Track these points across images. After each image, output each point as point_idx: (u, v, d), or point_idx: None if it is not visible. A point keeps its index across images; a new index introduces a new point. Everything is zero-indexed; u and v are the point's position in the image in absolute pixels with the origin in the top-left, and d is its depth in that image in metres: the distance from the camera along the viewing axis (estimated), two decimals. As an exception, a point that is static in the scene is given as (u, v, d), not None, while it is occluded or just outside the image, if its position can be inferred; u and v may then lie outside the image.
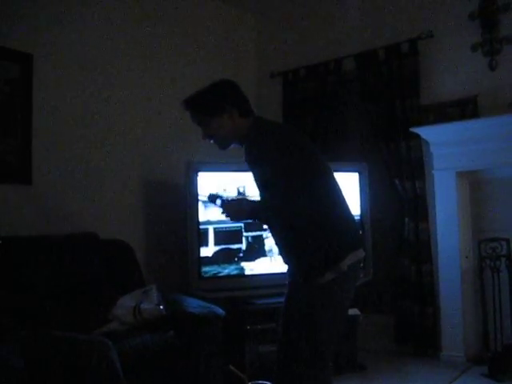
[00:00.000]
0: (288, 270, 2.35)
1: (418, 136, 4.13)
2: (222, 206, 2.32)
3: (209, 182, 3.76)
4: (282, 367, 2.26)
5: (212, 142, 2.38)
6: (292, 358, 2.22)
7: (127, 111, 4.10)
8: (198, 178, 3.72)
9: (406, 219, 4.25)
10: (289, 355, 2.24)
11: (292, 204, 2.18)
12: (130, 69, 4.13)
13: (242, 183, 3.76)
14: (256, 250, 3.87)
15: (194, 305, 3.24)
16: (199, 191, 3.71)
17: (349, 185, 4.04)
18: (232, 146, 2.41)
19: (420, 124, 4.13)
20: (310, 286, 2.19)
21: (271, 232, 2.38)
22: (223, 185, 3.77)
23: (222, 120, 2.30)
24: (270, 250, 3.86)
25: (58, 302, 3.02)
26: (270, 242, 3.81)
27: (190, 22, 4.61)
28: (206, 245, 3.75)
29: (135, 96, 4.16)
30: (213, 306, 3.25)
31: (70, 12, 3.76)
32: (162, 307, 3.11)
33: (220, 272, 3.78)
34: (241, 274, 3.82)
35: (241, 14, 5.07)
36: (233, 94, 2.36)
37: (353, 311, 3.85)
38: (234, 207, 2.29)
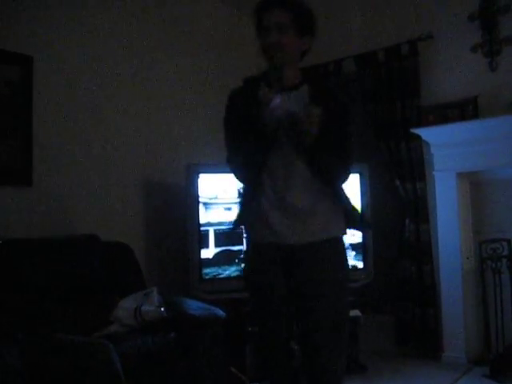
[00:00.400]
0: (321, 225, 2.09)
1: (418, 137, 4.14)
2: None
3: (209, 184, 3.76)
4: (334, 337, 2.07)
5: (269, 52, 2.13)
6: (341, 323, 2.08)
7: (128, 113, 4.10)
8: (199, 180, 3.72)
9: (407, 220, 4.25)
10: (338, 322, 2.07)
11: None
12: (130, 70, 4.13)
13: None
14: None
15: (194, 307, 3.23)
16: (200, 193, 3.72)
17: (349, 186, 4.04)
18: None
19: (420, 125, 4.14)
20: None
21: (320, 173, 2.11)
22: (224, 186, 3.78)
23: (299, 42, 2.15)
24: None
25: (59, 304, 3.02)
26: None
27: (189, 24, 4.61)
28: (207, 246, 3.75)
29: (136, 98, 4.16)
30: (213, 307, 3.25)
31: (70, 14, 3.76)
32: (162, 309, 3.11)
33: (221, 274, 3.78)
34: (242, 276, 3.81)
35: (241, 15, 5.07)
36: (317, 32, 2.25)
37: (354, 312, 3.85)
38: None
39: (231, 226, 2.39)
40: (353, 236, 4.02)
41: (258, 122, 2.01)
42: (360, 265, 4.03)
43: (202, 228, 3.72)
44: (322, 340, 2.07)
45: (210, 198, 3.78)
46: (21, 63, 3.47)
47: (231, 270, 3.80)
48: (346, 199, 2.21)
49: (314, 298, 2.05)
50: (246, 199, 2.21)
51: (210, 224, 3.75)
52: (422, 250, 4.19)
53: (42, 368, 2.40)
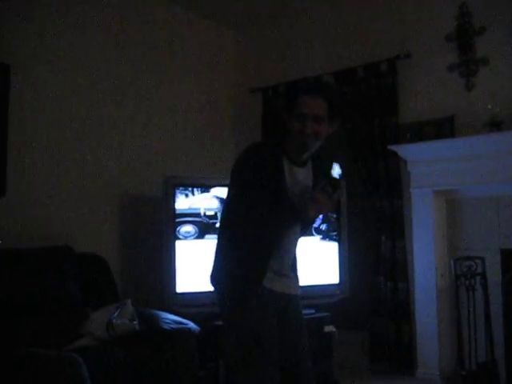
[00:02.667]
0: (296, 285, 2.36)
1: (395, 154, 4.17)
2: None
3: (187, 198, 3.74)
4: None
5: (305, 140, 2.20)
6: None
7: (106, 124, 4.08)
8: (176, 194, 3.70)
9: (383, 237, 4.26)
10: None
11: None
12: (109, 82, 4.12)
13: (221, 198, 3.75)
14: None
15: (168, 320, 3.21)
16: (177, 206, 3.70)
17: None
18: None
19: (398, 142, 4.17)
20: None
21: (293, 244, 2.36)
22: (202, 200, 3.77)
23: (329, 128, 2.24)
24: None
25: (29, 316, 2.96)
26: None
27: (171, 38, 4.62)
28: (183, 260, 3.72)
29: (114, 109, 4.14)
30: (187, 321, 3.23)
31: (48, 23, 3.75)
32: (135, 322, 3.08)
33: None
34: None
35: (221, 29, 5.10)
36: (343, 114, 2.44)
37: (329, 328, 3.85)
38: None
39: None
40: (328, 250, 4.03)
41: (288, 198, 2.16)
42: (336, 280, 4.03)
43: (177, 241, 3.70)
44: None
45: (187, 212, 3.76)
46: (-3, 71, 3.43)
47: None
48: None
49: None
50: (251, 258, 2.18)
51: (185, 237, 3.72)
52: (398, 267, 4.20)
53: (9, 382, 2.35)
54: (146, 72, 4.40)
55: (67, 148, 3.82)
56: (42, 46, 3.70)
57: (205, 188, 3.80)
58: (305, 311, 3.76)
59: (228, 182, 2.21)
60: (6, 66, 3.47)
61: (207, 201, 3.81)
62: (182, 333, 3.13)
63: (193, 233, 3.73)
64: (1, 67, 3.45)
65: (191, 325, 3.19)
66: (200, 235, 3.75)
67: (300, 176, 2.24)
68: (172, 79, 4.58)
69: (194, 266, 3.64)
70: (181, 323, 3.21)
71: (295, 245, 2.35)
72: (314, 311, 3.88)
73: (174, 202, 3.70)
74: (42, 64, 3.70)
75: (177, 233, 3.71)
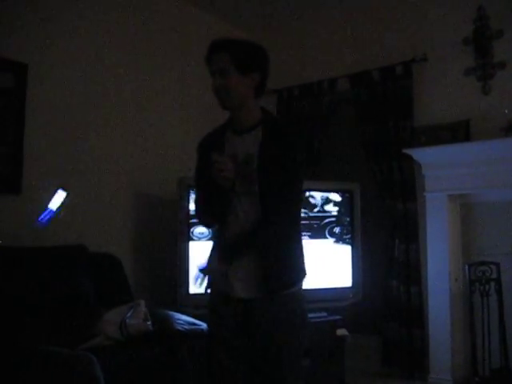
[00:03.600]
0: (275, 278, 2.07)
1: (410, 157, 4.15)
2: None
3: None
4: None
5: (218, 96, 2.13)
6: None
7: (121, 123, 4.09)
8: (191, 195, 3.71)
9: (397, 241, 4.24)
10: None
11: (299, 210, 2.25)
12: (125, 81, 4.13)
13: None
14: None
15: (181, 321, 3.20)
16: (191, 207, 3.70)
17: (340, 204, 4.05)
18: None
19: (412, 146, 4.15)
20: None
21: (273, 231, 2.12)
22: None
23: (244, 80, 2.11)
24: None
25: (44, 315, 2.98)
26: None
27: (184, 38, 4.63)
28: (196, 260, 3.72)
29: (129, 108, 4.15)
30: (200, 322, 3.22)
31: (65, 22, 3.77)
32: (148, 323, 3.08)
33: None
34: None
35: (236, 31, 5.09)
36: (267, 67, 2.19)
37: (341, 331, 3.84)
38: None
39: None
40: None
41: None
42: (348, 283, 4.02)
43: (191, 242, 3.70)
44: None
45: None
46: (16, 71, 3.46)
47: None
48: None
49: None
50: None
51: (199, 238, 3.73)
52: (411, 271, 4.18)
53: (22, 381, 2.36)
54: (162, 72, 4.42)
55: (83, 148, 3.84)
56: (58, 46, 3.72)
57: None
58: (317, 314, 3.80)
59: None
60: (23, 65, 3.49)
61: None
62: (195, 334, 3.12)
63: (206, 234, 3.73)
64: (18, 66, 3.47)
65: (204, 326, 3.18)
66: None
67: (241, 144, 2.13)
68: (186, 80, 4.59)
69: (207, 267, 3.64)
70: (194, 324, 3.20)
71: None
72: (326, 314, 3.87)
73: (188, 203, 3.70)
74: (59, 63, 3.72)
75: (190, 234, 3.72)
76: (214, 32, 4.87)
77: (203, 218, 2.27)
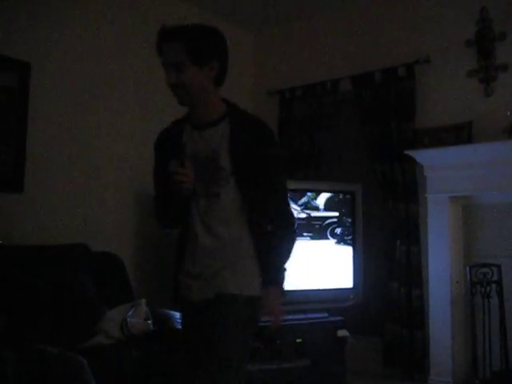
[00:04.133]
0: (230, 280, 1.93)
1: (412, 159, 4.15)
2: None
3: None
4: None
5: (175, 93, 1.99)
6: None
7: (123, 122, 4.10)
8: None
9: (398, 242, 4.24)
10: None
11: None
12: (127, 80, 4.14)
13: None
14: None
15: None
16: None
17: (342, 205, 4.05)
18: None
19: (415, 147, 4.15)
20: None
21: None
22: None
23: (202, 72, 1.93)
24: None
25: (44, 313, 2.98)
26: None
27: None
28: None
29: (131, 108, 4.16)
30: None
31: (68, 21, 3.78)
32: (149, 322, 3.09)
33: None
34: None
35: (240, 31, 5.10)
36: (225, 51, 2.03)
37: (342, 332, 3.84)
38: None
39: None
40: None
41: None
42: (349, 284, 4.01)
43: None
44: None
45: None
46: (18, 70, 3.47)
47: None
48: None
49: None
50: None
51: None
52: (412, 272, 4.18)
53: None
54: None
55: (85, 146, 3.85)
56: (61, 45, 3.72)
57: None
58: (318, 315, 3.80)
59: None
60: (26, 64, 3.50)
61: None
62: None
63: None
64: (21, 65, 3.48)
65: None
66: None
67: (203, 140, 1.96)
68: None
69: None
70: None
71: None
72: (327, 315, 3.87)
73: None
74: (62, 62, 3.72)
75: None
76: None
77: (161, 220, 2.14)
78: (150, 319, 3.10)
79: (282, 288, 2.03)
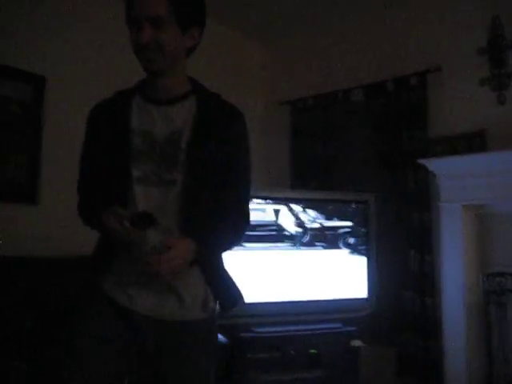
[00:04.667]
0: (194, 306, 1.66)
1: (425, 168, 4.14)
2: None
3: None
4: None
5: (144, 54, 1.63)
6: None
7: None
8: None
9: (412, 251, 4.23)
10: None
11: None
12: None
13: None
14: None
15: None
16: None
17: (355, 215, 4.04)
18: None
19: (427, 156, 4.14)
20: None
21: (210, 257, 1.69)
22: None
23: (183, 37, 1.64)
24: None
25: (59, 326, 2.99)
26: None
27: (200, 49, 4.65)
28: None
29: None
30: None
31: (84, 35, 3.82)
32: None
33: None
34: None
35: (252, 43, 5.13)
36: (205, 18, 1.73)
37: (355, 342, 3.82)
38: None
39: None
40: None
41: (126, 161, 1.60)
42: (364, 294, 4.00)
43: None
44: None
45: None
46: (33, 83, 3.51)
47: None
48: None
49: None
50: None
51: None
52: (426, 282, 4.16)
53: None
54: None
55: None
56: (76, 58, 3.76)
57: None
58: (331, 325, 3.79)
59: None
60: (41, 77, 3.54)
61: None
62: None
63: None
64: (36, 79, 3.52)
65: (219, 336, 3.18)
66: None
67: (163, 117, 1.65)
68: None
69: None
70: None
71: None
72: (340, 325, 3.86)
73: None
74: (77, 76, 3.76)
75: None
76: (226, 43, 4.91)
77: (88, 221, 1.83)
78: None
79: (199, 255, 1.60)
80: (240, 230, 1.76)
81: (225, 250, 1.74)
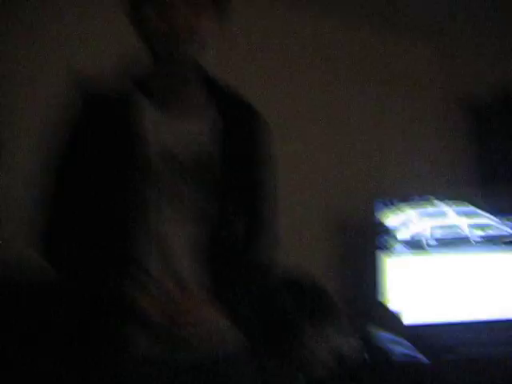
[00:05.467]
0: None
1: None
2: None
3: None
4: None
5: (170, 39, 1.19)
6: None
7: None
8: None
9: None
10: None
11: None
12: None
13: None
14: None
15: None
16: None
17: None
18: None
19: None
20: None
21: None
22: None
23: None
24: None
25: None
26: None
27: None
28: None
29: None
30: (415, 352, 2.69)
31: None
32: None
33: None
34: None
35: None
36: None
37: None
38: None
39: None
40: None
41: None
42: None
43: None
44: None
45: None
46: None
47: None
48: None
49: None
50: None
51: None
52: None
53: None
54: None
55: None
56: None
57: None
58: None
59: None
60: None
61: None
62: (413, 367, 2.59)
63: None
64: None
65: (421, 357, 2.64)
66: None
67: (179, 129, 1.25)
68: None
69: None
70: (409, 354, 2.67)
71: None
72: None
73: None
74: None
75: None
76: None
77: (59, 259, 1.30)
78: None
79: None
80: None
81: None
